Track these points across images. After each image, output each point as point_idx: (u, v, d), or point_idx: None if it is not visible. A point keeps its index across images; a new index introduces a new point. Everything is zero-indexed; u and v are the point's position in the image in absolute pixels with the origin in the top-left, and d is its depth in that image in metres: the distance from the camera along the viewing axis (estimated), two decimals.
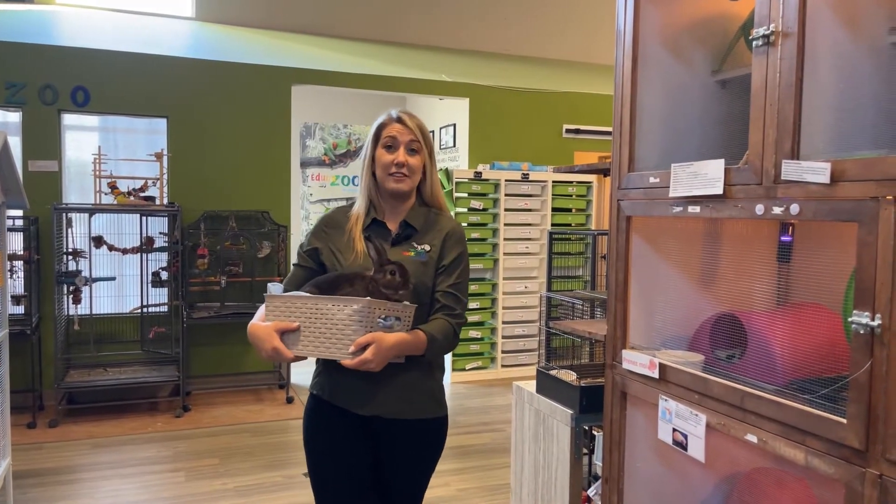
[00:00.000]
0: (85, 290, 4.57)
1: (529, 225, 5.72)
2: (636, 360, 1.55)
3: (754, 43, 1.23)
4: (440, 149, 6.81)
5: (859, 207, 1.05)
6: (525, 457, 2.55)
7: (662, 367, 1.48)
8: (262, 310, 1.63)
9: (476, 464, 3.76)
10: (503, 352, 5.73)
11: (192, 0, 5.95)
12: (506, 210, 5.61)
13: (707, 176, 1.35)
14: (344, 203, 1.85)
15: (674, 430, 1.44)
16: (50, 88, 4.68)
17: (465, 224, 5.53)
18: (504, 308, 5.67)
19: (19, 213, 4.45)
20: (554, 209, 5.75)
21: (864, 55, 1.25)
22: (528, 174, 5.65)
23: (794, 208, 1.16)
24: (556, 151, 6.25)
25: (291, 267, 1.75)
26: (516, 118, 6.09)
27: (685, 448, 1.41)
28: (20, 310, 4.47)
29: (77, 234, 4.57)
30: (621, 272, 1.61)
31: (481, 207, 5.57)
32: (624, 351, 1.60)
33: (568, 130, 6.32)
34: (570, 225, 5.84)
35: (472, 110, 5.96)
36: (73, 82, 4.73)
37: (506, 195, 5.60)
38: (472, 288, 5.59)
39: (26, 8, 5.28)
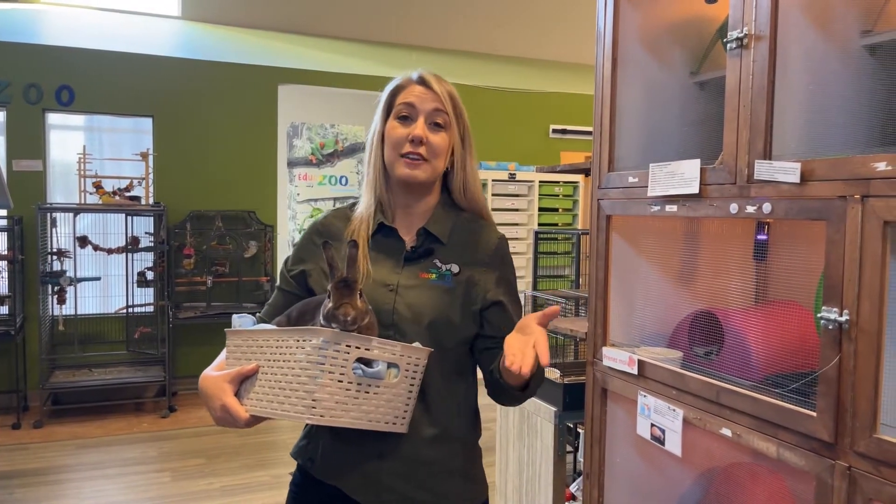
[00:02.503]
0: (70, 290, 4.55)
1: (516, 224, 5.75)
2: (616, 357, 1.57)
3: (728, 45, 1.26)
4: None
5: (827, 206, 1.07)
6: (510, 454, 2.57)
7: (641, 363, 1.50)
8: (223, 354, 1.23)
9: None
10: None
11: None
12: (493, 210, 5.63)
13: (683, 175, 1.37)
14: (340, 204, 1.38)
15: (652, 425, 1.47)
16: (34, 87, 4.65)
17: None
18: None
19: (3, 212, 4.42)
20: (541, 209, 5.79)
21: (836, 58, 1.28)
22: (514, 174, 5.68)
23: (767, 207, 1.19)
24: (543, 151, 6.28)
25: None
26: (503, 118, 6.12)
27: (662, 443, 1.44)
28: (4, 310, 4.45)
29: (62, 233, 4.55)
30: (601, 270, 1.64)
31: None
32: (604, 348, 1.62)
33: (555, 130, 6.36)
34: (556, 224, 5.88)
35: None
36: (58, 81, 4.71)
37: (493, 195, 5.62)
38: None
39: (11, 7, 5.24)
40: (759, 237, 1.60)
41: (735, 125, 1.25)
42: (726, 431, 1.28)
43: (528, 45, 6.94)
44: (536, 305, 3.23)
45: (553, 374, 2.38)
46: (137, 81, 4.91)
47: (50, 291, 4.54)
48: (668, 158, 1.47)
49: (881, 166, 1.00)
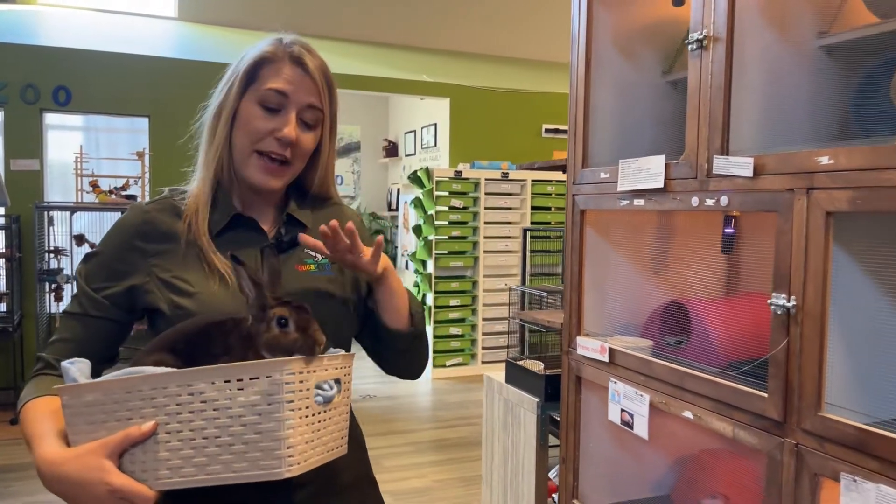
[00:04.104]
0: (67, 287, 4.61)
1: (509, 223, 5.81)
2: (589, 346, 1.63)
3: (689, 47, 1.32)
4: (422, 148, 6.89)
5: (777, 198, 1.14)
6: (495, 445, 2.63)
7: (612, 351, 1.56)
8: (43, 422, 0.89)
9: (453, 456, 3.84)
10: (483, 348, 5.82)
11: (175, 0, 6.00)
12: (486, 208, 5.70)
13: (650, 171, 1.44)
14: (164, 192, 1.08)
15: (622, 410, 1.53)
16: (32, 88, 4.72)
17: (446, 222, 5.62)
18: (484, 305, 5.76)
19: (1, 211, 4.48)
20: (533, 207, 5.85)
21: (793, 58, 1.34)
22: (507, 173, 5.74)
23: (724, 200, 1.25)
24: (536, 151, 6.35)
25: (60, 320, 1.07)
26: (496, 118, 6.19)
27: (631, 427, 1.50)
28: (2, 307, 4.51)
29: (59, 232, 4.61)
30: (576, 263, 1.70)
31: (462, 206, 5.65)
32: (578, 338, 1.69)
33: (547, 130, 6.43)
34: (549, 223, 5.95)
35: (452, 110, 6.05)
36: (55, 82, 4.77)
37: (486, 194, 5.69)
38: (453, 285, 5.68)
39: (8, 8, 5.30)
40: (726, 230, 1.66)
41: (696, 122, 1.32)
42: (688, 414, 1.34)
43: (521, 46, 7.00)
44: (525, 302, 3.29)
45: (537, 366, 2.45)
46: (134, 82, 4.97)
47: (47, 289, 4.61)
48: (640, 155, 1.53)
49: (824, 160, 1.06)
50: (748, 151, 1.24)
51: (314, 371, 0.85)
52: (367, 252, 0.98)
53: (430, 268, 5.59)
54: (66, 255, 4.60)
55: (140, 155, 4.75)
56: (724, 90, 1.26)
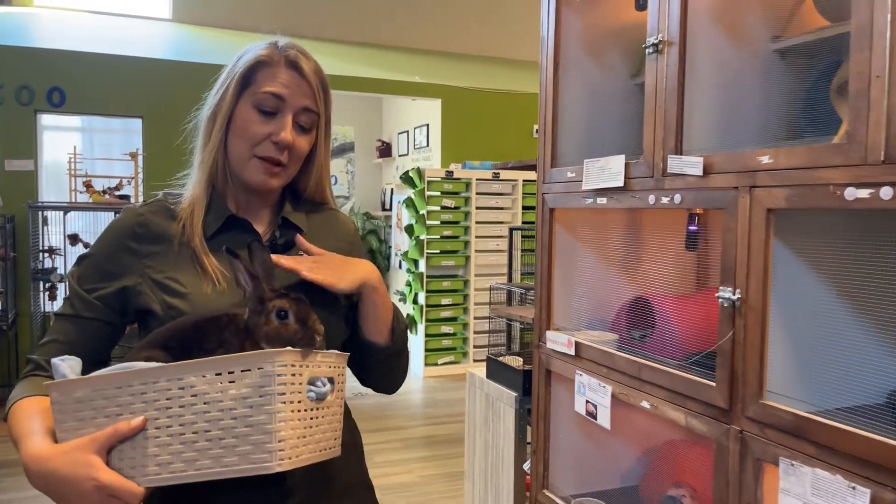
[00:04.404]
0: (60, 286, 4.66)
1: (501, 223, 5.86)
2: (557, 340, 1.69)
3: (647, 51, 1.37)
4: (414, 148, 6.94)
5: (724, 196, 1.19)
6: (477, 439, 2.68)
7: (578, 345, 1.62)
8: (31, 420, 0.89)
9: (440, 452, 3.89)
10: (475, 346, 5.87)
11: (170, 1, 6.05)
12: (477, 208, 5.75)
13: (612, 170, 1.49)
14: (158, 195, 1.10)
15: (587, 401, 1.58)
16: (26, 89, 4.77)
17: (438, 222, 5.67)
18: (476, 304, 5.81)
19: None
20: (525, 207, 5.90)
21: (748, 61, 1.39)
22: (499, 173, 5.80)
23: (678, 198, 1.31)
24: (527, 151, 6.40)
25: (52, 322, 1.05)
26: (488, 118, 6.24)
27: (595, 418, 1.55)
28: None
29: (53, 232, 4.67)
30: (545, 260, 1.75)
31: (453, 206, 5.70)
32: (548, 332, 1.74)
33: (538, 130, 6.48)
34: None
35: (444, 111, 6.10)
36: (50, 83, 4.82)
37: (477, 194, 5.74)
38: (445, 284, 5.73)
39: (3, 10, 5.35)
40: (690, 227, 1.72)
41: (652, 124, 1.37)
42: (646, 404, 1.39)
43: (512, 47, 7.06)
44: (510, 299, 3.35)
45: (516, 361, 2.50)
46: (127, 83, 5.03)
47: (41, 288, 4.66)
48: (607, 154, 1.58)
49: (765, 159, 1.11)
50: (700, 151, 1.29)
51: (307, 365, 0.84)
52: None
53: (422, 267, 5.65)
54: (60, 255, 4.65)
55: (133, 155, 4.80)
56: (678, 92, 1.31)
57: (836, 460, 0.99)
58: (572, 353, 1.63)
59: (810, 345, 1.14)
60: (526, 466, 2.38)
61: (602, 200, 1.54)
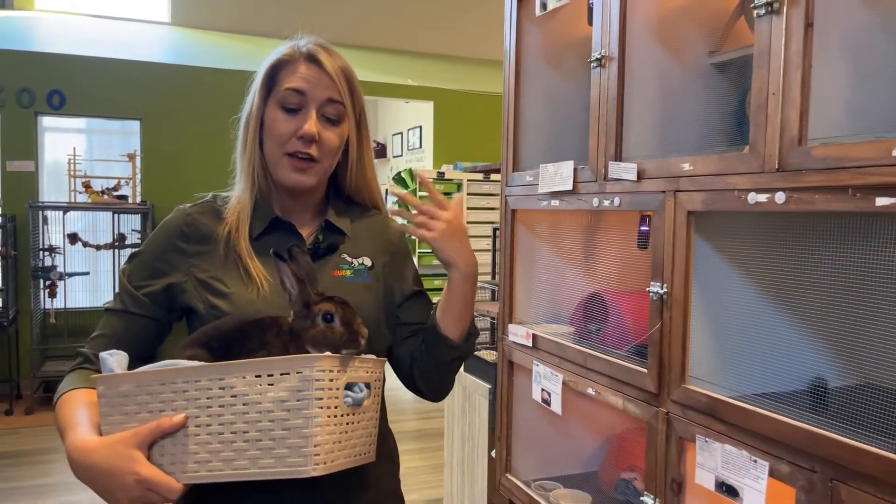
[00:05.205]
0: (60, 284, 4.79)
1: (491, 223, 5.97)
2: (517, 333, 1.80)
3: (591, 64, 1.49)
4: (408, 149, 7.06)
5: (654, 199, 1.30)
6: (455, 431, 2.80)
7: (535, 337, 1.73)
8: (77, 412, 0.92)
9: (427, 445, 4.01)
10: None
11: (169, 5, 6.17)
12: (468, 209, 5.86)
13: (563, 174, 1.60)
14: (207, 196, 1.14)
15: (542, 389, 1.70)
16: (27, 92, 4.89)
17: None
18: None
19: None
20: None
21: (686, 74, 1.51)
22: (489, 174, 5.91)
23: (616, 201, 1.42)
24: None
25: (103, 317, 1.08)
26: (479, 120, 6.35)
27: (549, 405, 1.67)
28: None
29: (52, 231, 4.79)
30: (508, 258, 1.87)
31: None
32: (510, 325, 1.85)
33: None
34: None
35: (436, 113, 6.22)
36: (50, 86, 4.95)
37: (468, 194, 5.85)
38: (436, 283, 5.84)
39: (4, 14, 5.48)
40: (641, 228, 1.83)
41: (596, 132, 1.49)
42: (591, 391, 1.51)
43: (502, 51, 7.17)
44: (494, 296, 3.47)
45: (490, 355, 2.61)
46: (126, 86, 5.15)
47: (41, 286, 4.79)
48: (565, 159, 1.70)
49: (686, 166, 1.23)
50: (636, 158, 1.40)
51: (345, 371, 0.85)
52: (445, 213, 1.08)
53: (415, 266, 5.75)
54: (60, 254, 4.78)
55: (131, 157, 4.93)
56: (618, 103, 1.42)
57: (742, 437, 1.11)
58: (530, 344, 1.75)
59: (730, 334, 1.26)
60: (493, 453, 2.50)
61: (555, 202, 1.65)
